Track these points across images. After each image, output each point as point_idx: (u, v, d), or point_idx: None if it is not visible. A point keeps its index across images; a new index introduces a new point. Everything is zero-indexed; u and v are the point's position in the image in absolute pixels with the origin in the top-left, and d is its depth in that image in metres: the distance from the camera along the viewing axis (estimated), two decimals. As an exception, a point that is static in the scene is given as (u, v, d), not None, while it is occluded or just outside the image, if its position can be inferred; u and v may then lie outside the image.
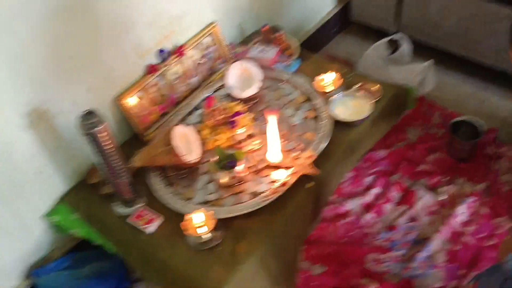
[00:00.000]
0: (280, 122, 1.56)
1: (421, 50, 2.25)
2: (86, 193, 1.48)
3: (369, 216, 1.78)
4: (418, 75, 1.96)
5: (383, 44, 2.09)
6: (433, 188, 1.84)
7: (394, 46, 2.22)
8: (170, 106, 1.64)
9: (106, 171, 1.29)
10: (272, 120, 1.34)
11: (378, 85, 1.64)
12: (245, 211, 1.33)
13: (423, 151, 1.97)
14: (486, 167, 1.89)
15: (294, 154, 1.45)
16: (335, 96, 1.58)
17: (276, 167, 1.44)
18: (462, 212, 1.74)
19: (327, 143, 1.47)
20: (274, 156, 1.43)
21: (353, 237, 1.73)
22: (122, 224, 1.38)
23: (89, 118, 1.16)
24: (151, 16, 1.49)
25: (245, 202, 1.35)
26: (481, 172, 1.87)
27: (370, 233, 1.74)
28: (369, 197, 1.83)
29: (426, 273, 1.61)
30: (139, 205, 1.40)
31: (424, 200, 1.80)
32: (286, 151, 1.47)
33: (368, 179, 1.89)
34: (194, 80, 1.69)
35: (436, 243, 1.67)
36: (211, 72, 1.75)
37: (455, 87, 2.22)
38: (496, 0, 1.92)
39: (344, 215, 1.79)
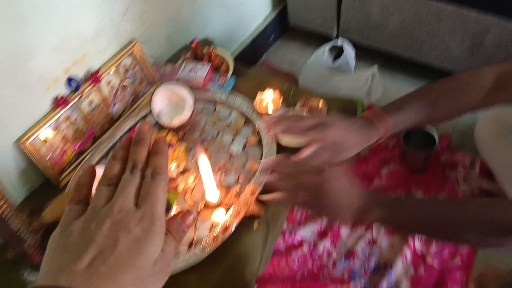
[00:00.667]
0: (218, 151, 1.37)
1: (364, 54, 2.13)
2: (-14, 260, 1.21)
3: (324, 244, 1.61)
4: (365, 83, 1.82)
5: (326, 51, 1.94)
6: (389, 205, 1.70)
7: (336, 51, 2.08)
8: (87, 142, 1.40)
9: (4, 237, 1.04)
10: (202, 158, 1.14)
11: (322, 100, 1.47)
12: (182, 269, 1.12)
13: (376, 165, 1.83)
14: (442, 176, 1.78)
15: (234, 190, 1.26)
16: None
17: (217, 206, 1.24)
18: (422, 230, 1.61)
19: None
20: (212, 195, 1.23)
21: (309, 271, 1.56)
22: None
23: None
24: (58, 39, 1.24)
25: (180, 256, 1.14)
26: (437, 183, 1.76)
27: (327, 264, 1.58)
28: (322, 222, 1.67)
29: (390, 304, 1.47)
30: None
31: (382, 220, 1.65)
32: (226, 187, 1.27)
33: (320, 201, 1.73)
34: (115, 108, 1.46)
35: (398, 268, 1.53)
36: (135, 97, 1.52)
37: (402, 91, 2.07)
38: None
39: (297, 246, 1.62)
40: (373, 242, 1.61)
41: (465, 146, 1.86)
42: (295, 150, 1.33)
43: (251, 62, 2.24)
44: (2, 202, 0.96)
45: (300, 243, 1.62)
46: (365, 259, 1.57)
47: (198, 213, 1.23)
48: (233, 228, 1.18)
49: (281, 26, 2.36)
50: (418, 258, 1.56)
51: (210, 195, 1.23)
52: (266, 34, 2.27)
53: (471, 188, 1.70)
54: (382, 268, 1.54)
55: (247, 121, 1.44)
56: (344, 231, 1.64)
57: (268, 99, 1.41)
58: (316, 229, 1.65)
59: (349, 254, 1.59)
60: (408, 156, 1.78)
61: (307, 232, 1.65)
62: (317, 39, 2.30)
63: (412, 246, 1.57)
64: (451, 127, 1.93)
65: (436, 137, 1.71)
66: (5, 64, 1.14)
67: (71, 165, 1.36)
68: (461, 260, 1.54)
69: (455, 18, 1.81)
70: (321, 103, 1.46)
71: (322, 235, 1.64)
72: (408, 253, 1.56)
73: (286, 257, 1.59)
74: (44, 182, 1.37)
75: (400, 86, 2.11)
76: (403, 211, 0.82)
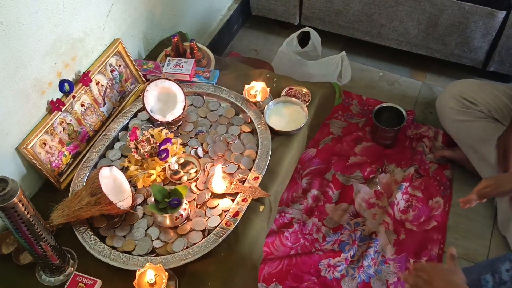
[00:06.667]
0: (214, 142, 1.43)
1: (326, 40, 2.23)
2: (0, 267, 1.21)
3: (313, 221, 1.72)
4: (336, 67, 1.93)
5: (294, 38, 2.02)
6: (367, 180, 1.84)
7: (300, 38, 2.17)
8: (82, 143, 1.41)
9: (24, 242, 1.05)
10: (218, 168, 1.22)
11: (306, 89, 1.56)
12: (201, 254, 1.18)
13: (350, 143, 1.95)
14: (410, 149, 1.93)
15: (237, 178, 1.33)
16: (267, 105, 1.47)
17: (222, 195, 1.30)
18: (399, 200, 1.75)
19: (269, 159, 1.37)
20: (219, 185, 1.29)
21: (302, 247, 1.67)
22: (53, 298, 1.16)
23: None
24: (50, 43, 1.24)
25: (198, 242, 1.20)
26: (407, 156, 1.91)
27: (317, 238, 1.69)
28: (308, 200, 1.77)
29: (378, 270, 1.60)
30: (69, 271, 1.19)
31: (362, 194, 1.79)
32: (229, 175, 1.34)
33: (303, 182, 1.83)
34: (105, 108, 1.48)
35: (382, 236, 1.67)
36: (122, 95, 1.54)
37: (365, 73, 2.24)
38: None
39: (288, 224, 1.72)
40: (357, 214, 1.73)
41: (427, 120, 2.02)
42: (287, 134, 1.43)
43: (219, 52, 2.29)
44: (27, 208, 0.98)
45: (290, 222, 1.72)
46: (351, 230, 1.70)
47: (206, 202, 1.30)
48: (242, 213, 1.25)
49: (244, 14, 2.42)
50: (398, 225, 1.70)
51: (216, 184, 1.29)
52: (231, 23, 2.32)
53: (435, 158, 1.87)
54: (368, 237, 1.68)
55: (238, 111, 1.50)
56: (329, 207, 1.75)
57: (257, 88, 1.49)
58: (302, 208, 1.75)
59: (337, 227, 1.71)
60: (379, 133, 1.91)
61: (295, 211, 1.74)
62: (279, 25, 2.40)
63: (392, 214, 1.72)
64: (412, 103, 2.09)
65: (405, 114, 1.86)
66: (4, 71, 1.14)
67: (69, 166, 1.38)
68: (436, 222, 1.71)
69: (412, 1, 1.95)
70: (305, 90, 1.55)
71: (309, 213, 1.75)
72: (389, 221, 1.70)
73: (278, 236, 1.68)
74: (43, 186, 1.37)
75: (363, 68, 2.25)
76: None
